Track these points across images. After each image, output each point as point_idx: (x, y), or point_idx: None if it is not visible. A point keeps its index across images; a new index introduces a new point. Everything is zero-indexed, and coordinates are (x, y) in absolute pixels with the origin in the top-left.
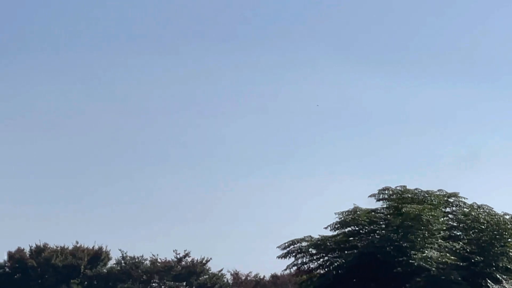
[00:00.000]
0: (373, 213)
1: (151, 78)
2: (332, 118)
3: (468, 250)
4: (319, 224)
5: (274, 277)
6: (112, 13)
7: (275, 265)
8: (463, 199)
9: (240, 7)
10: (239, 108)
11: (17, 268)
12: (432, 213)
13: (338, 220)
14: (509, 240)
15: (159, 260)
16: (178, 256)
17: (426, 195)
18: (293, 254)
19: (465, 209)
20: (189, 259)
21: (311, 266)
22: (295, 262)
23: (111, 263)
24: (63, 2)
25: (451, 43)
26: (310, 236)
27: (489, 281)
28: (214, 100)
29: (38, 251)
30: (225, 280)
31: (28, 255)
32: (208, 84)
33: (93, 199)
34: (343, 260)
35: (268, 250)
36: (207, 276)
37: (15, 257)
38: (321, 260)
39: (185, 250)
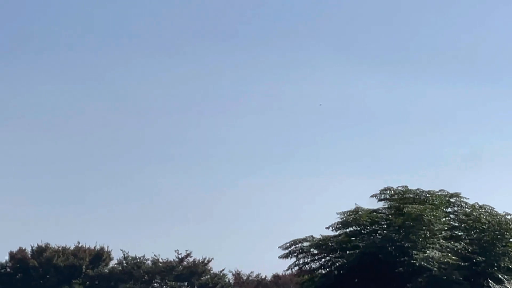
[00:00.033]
0: (374, 213)
1: (152, 78)
2: (333, 117)
3: (469, 250)
4: (320, 224)
5: (275, 277)
6: (114, 13)
7: (277, 265)
8: (464, 199)
9: (241, 6)
10: (241, 108)
11: (18, 268)
12: (434, 213)
13: (340, 220)
14: (511, 240)
15: (160, 260)
16: (179, 256)
17: (427, 195)
18: (295, 254)
19: (466, 209)
20: (190, 259)
21: (313, 266)
22: (296, 262)
23: (112, 263)
24: (63, 2)
25: (453, 43)
26: (312, 236)
27: (490, 281)
28: (215, 100)
29: (40, 251)
30: (227, 280)
31: (29, 255)
32: (209, 84)
33: (95, 199)
34: (345, 260)
35: (269, 250)
36: (208, 276)
37: (17, 257)
38: (323, 260)
39: (186, 250)
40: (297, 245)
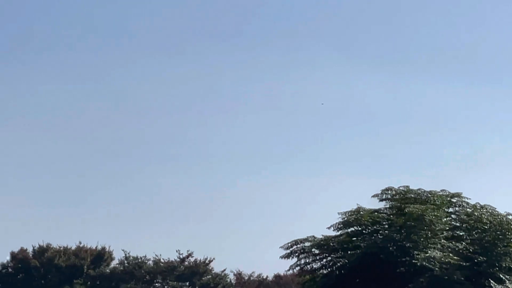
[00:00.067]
0: (376, 213)
1: (152, 78)
2: (334, 117)
3: (471, 250)
4: (322, 224)
5: (277, 277)
6: (114, 13)
7: (278, 265)
8: (466, 199)
9: (242, 6)
10: (241, 108)
11: (20, 268)
12: (435, 213)
13: (341, 220)
14: None
15: (162, 260)
16: (181, 256)
17: (429, 195)
18: (296, 254)
19: (468, 209)
20: (192, 259)
21: (314, 266)
22: (298, 262)
23: (114, 263)
24: (64, 2)
25: (453, 43)
26: (313, 236)
27: (492, 281)
28: (216, 100)
29: (41, 251)
30: (228, 280)
31: (31, 255)
32: (210, 84)
33: (96, 199)
34: (346, 260)
35: (271, 250)
36: (210, 276)
37: (18, 257)
38: (324, 260)
39: (188, 250)
40: (298, 245)
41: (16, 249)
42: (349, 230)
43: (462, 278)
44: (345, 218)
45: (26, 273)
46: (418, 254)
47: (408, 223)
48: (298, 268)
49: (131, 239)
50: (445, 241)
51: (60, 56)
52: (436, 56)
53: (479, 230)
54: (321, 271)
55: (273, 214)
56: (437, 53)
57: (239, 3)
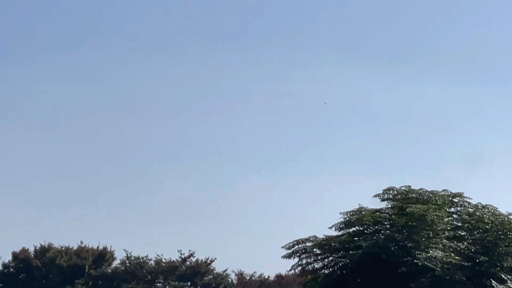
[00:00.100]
0: (377, 213)
1: (154, 78)
2: (337, 117)
3: (472, 250)
4: (324, 224)
5: (278, 277)
6: (116, 13)
7: (280, 265)
8: (467, 199)
9: (244, 6)
10: (245, 108)
11: (21, 268)
12: (437, 213)
13: (343, 220)
14: None
15: (163, 260)
16: (182, 256)
17: (430, 195)
18: (298, 254)
19: (469, 209)
20: (193, 259)
21: (316, 266)
22: (299, 262)
23: (115, 263)
24: (65, 2)
25: (455, 43)
26: (315, 236)
27: (493, 281)
28: (219, 100)
29: (43, 251)
30: (230, 280)
31: (32, 255)
32: (212, 83)
33: (98, 199)
34: (348, 260)
35: (272, 250)
36: (211, 276)
37: (20, 257)
38: (326, 260)
39: (189, 250)
40: (300, 245)
41: (17, 249)
42: (350, 230)
43: (464, 278)
44: (347, 218)
45: (28, 273)
46: (419, 254)
47: (410, 223)
48: (299, 268)
49: (133, 239)
50: (446, 241)
51: (61, 56)
52: (437, 56)
53: (480, 230)
54: (322, 271)
55: (275, 214)
56: (438, 53)
57: (241, 3)
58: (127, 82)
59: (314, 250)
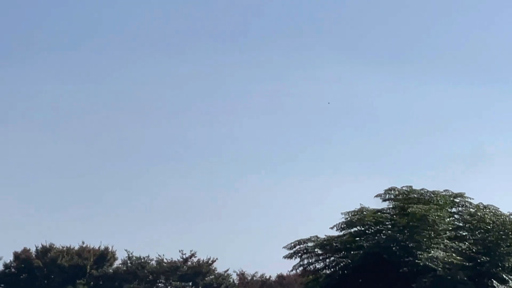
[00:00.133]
0: (379, 213)
1: (155, 78)
2: (338, 118)
3: (474, 250)
4: (326, 224)
5: (280, 277)
6: (117, 13)
7: (281, 265)
8: (469, 199)
9: (245, 6)
10: (245, 108)
11: (23, 268)
12: (438, 213)
13: (344, 220)
14: None
15: (165, 260)
16: (184, 256)
17: (432, 195)
18: (299, 255)
19: (471, 209)
20: (195, 259)
21: (317, 266)
22: (301, 263)
23: (117, 263)
24: (66, 3)
25: (457, 43)
26: (316, 236)
27: (494, 281)
28: (220, 100)
29: (44, 251)
30: (231, 280)
31: (34, 255)
32: (214, 83)
33: (99, 200)
34: (349, 260)
35: (274, 250)
36: (213, 276)
37: (21, 257)
38: (327, 260)
39: (191, 250)
40: (301, 245)
41: (19, 249)
42: (352, 230)
43: (465, 278)
44: (348, 218)
45: (29, 273)
46: (421, 254)
47: (411, 223)
48: (301, 268)
49: (134, 239)
50: (448, 241)
51: (61, 56)
52: (437, 56)
53: (482, 230)
54: (324, 271)
55: (276, 214)
56: (439, 53)
57: (241, 3)
58: (128, 82)
59: (316, 250)
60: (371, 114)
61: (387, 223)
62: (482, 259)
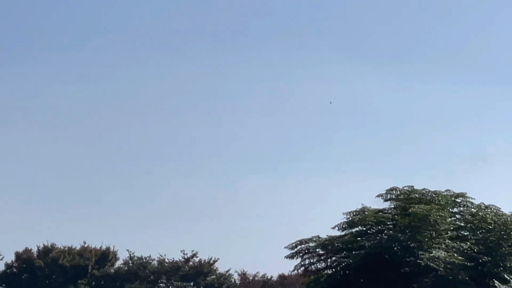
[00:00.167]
0: (380, 213)
1: (159, 78)
2: (340, 118)
3: (475, 250)
4: (327, 224)
5: (281, 277)
6: (120, 14)
7: (283, 265)
8: (470, 199)
9: (248, 6)
10: (247, 108)
11: (24, 268)
12: (440, 213)
13: (346, 220)
14: None
15: (166, 260)
16: (185, 256)
17: (433, 195)
18: (301, 255)
19: (472, 209)
20: (196, 259)
21: (319, 266)
22: (302, 263)
23: (118, 263)
24: (68, 3)
25: (459, 43)
26: (318, 236)
27: (496, 281)
28: (222, 100)
29: (46, 251)
30: (233, 280)
31: (35, 255)
32: (216, 83)
33: (101, 200)
34: (351, 261)
35: (275, 250)
36: (214, 276)
37: (23, 257)
38: (329, 260)
39: (192, 250)
40: (303, 245)
41: (20, 249)
42: (353, 230)
43: (467, 278)
44: (350, 218)
45: (31, 273)
46: (422, 254)
47: (413, 223)
48: (302, 268)
49: (136, 239)
50: (449, 241)
51: (63, 56)
52: (439, 56)
53: (483, 230)
54: (325, 271)
55: (278, 214)
56: (441, 53)
57: (244, 3)
58: (129, 82)
59: (317, 250)
60: (372, 114)
61: (388, 223)
62: (483, 259)
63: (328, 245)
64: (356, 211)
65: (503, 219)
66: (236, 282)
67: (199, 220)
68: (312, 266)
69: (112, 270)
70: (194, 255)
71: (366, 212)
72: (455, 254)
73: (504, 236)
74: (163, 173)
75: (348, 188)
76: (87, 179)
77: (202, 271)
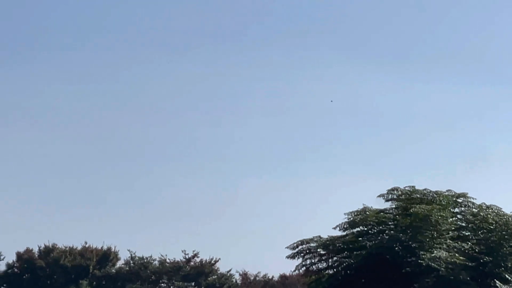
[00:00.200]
0: (382, 213)
1: (160, 78)
2: (341, 118)
3: (476, 250)
4: (328, 224)
5: (283, 277)
6: (122, 14)
7: (284, 265)
8: (471, 199)
9: (249, 7)
10: (249, 108)
11: (26, 268)
12: (441, 213)
13: (347, 220)
14: None
15: (167, 261)
16: (186, 257)
17: (435, 196)
18: (302, 255)
19: (473, 210)
20: (197, 259)
21: (320, 266)
22: (303, 263)
23: (119, 263)
24: (69, 3)
25: (460, 43)
26: (319, 236)
27: (497, 281)
28: (223, 100)
29: (47, 252)
30: (234, 281)
31: (37, 256)
32: (218, 84)
33: (102, 200)
34: (352, 261)
35: (277, 250)
36: (215, 276)
37: (24, 258)
38: (330, 260)
39: (193, 251)
40: (304, 245)
41: (22, 249)
42: (355, 230)
43: (468, 278)
44: (351, 218)
45: (32, 273)
46: (424, 254)
47: (414, 223)
48: (304, 268)
49: (137, 239)
50: (451, 241)
51: (65, 56)
52: (441, 56)
53: (484, 230)
54: (326, 271)
55: (279, 215)
56: (442, 53)
57: (245, 4)
58: (129, 82)
59: (318, 250)
60: (373, 114)
61: (389, 223)
62: (485, 259)
63: (329, 245)
64: (357, 211)
65: (504, 219)
66: (237, 282)
67: (200, 220)
68: (313, 266)
69: (113, 270)
70: (195, 255)
71: (367, 212)
72: (456, 254)
73: (506, 236)
74: (164, 173)
75: (349, 188)
76: (88, 179)
77: (203, 271)
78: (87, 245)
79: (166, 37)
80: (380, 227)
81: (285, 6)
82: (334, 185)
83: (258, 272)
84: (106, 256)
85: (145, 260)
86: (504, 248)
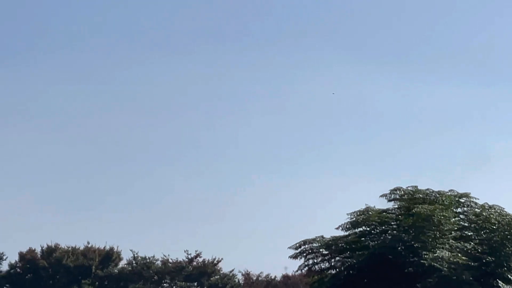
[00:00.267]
0: (384, 213)
1: (161, 79)
2: (344, 118)
3: (479, 250)
4: (331, 224)
5: (285, 277)
6: (123, 14)
7: (286, 265)
8: (474, 199)
9: (251, 7)
10: (253, 108)
11: (28, 268)
12: (444, 213)
13: (350, 220)
14: None
15: (170, 261)
16: (189, 257)
17: (437, 196)
18: (304, 255)
19: (476, 210)
20: (200, 260)
21: (322, 266)
22: (306, 263)
23: (122, 263)
24: (70, 3)
25: (463, 43)
26: (322, 236)
27: (500, 281)
28: (225, 100)
29: (50, 252)
30: (236, 281)
31: (39, 256)
32: (220, 84)
33: (104, 200)
34: (354, 261)
35: (279, 250)
36: (218, 276)
37: (27, 258)
38: (333, 260)
39: (196, 251)
40: (306, 246)
41: (24, 250)
42: (357, 230)
43: (471, 278)
44: (354, 218)
45: (35, 273)
46: (426, 254)
47: (417, 223)
48: (306, 268)
49: (139, 240)
50: (453, 241)
51: (65, 57)
52: (442, 56)
53: (487, 230)
54: (329, 271)
55: (282, 215)
56: (444, 53)
57: (246, 4)
58: (129, 82)
59: (321, 250)
60: (375, 115)
61: (392, 223)
62: (487, 259)
63: (332, 245)
64: (360, 211)
65: (507, 219)
66: (240, 282)
67: (203, 220)
68: (316, 266)
69: (115, 270)
70: (197, 255)
71: (370, 212)
72: (459, 254)
73: (508, 236)
74: (166, 174)
75: (351, 188)
76: (91, 180)
77: (206, 271)
78: (89, 245)
79: (166, 37)
80: (383, 227)
81: (285, 6)
82: (337, 185)
83: (261, 272)
84: (109, 256)
85: (148, 260)
86: (507, 248)
